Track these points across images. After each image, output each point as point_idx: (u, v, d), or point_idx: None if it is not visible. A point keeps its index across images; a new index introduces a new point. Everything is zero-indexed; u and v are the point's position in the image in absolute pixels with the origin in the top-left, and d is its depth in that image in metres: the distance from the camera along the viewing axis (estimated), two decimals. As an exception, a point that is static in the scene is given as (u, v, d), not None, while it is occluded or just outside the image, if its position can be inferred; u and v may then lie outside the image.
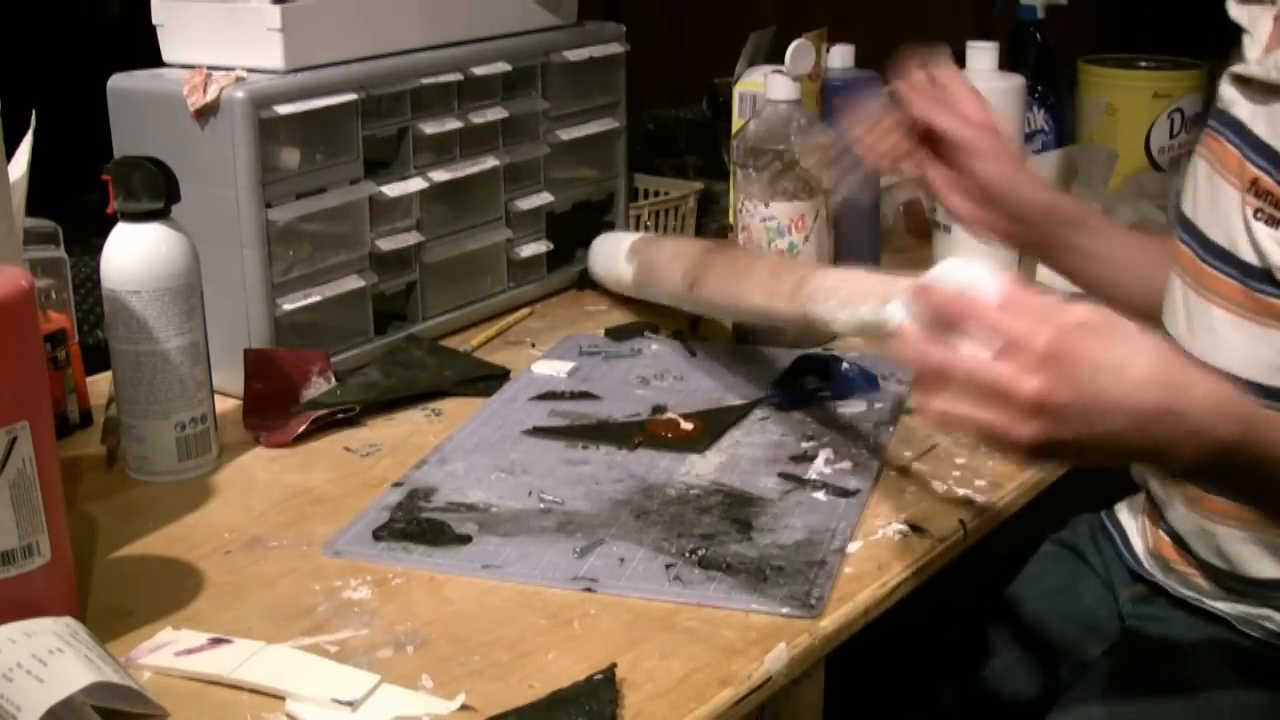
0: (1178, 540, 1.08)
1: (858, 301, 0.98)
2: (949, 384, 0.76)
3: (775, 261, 1.25)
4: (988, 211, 1.13)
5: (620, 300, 1.48)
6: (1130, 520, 1.18)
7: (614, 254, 1.42)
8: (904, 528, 0.99)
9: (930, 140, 1.13)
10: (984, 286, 0.78)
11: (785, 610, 0.88)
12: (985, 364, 0.75)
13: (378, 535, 0.99)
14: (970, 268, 0.82)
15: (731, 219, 1.42)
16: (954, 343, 0.77)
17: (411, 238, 1.34)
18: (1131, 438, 0.76)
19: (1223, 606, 1.07)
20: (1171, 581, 1.11)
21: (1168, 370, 0.77)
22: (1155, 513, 1.12)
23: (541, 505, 1.03)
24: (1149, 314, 1.08)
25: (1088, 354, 0.75)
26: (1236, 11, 1.01)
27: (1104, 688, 1.07)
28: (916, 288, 0.83)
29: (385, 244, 1.31)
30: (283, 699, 0.80)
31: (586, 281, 1.52)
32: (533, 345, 1.37)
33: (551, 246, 1.50)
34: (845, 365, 1.25)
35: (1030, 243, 1.17)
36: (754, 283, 1.14)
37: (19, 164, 1.13)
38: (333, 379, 1.22)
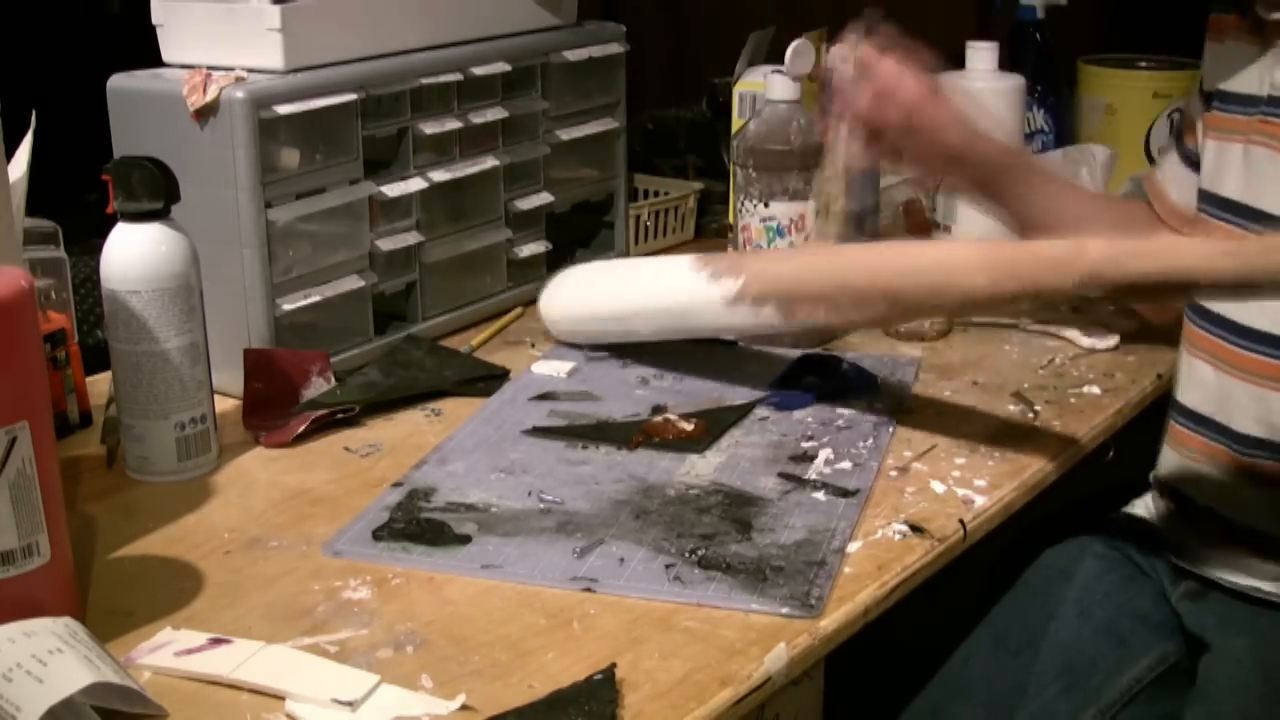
0: (1226, 523, 1.10)
1: None
2: None
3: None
4: (952, 173, 1.24)
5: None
6: (1162, 509, 1.19)
7: (620, 291, 1.31)
8: (904, 528, 0.99)
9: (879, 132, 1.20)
10: None
11: (785, 610, 0.88)
12: None
13: (377, 535, 0.99)
14: None
15: (731, 219, 1.42)
16: None
17: (411, 238, 1.34)
18: None
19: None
20: (1219, 571, 1.11)
21: None
22: (1191, 502, 1.14)
23: (541, 505, 1.03)
24: None
25: None
26: None
27: (1183, 699, 1.09)
28: None
29: (385, 244, 1.31)
30: (282, 699, 0.80)
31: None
32: (532, 345, 1.37)
33: (551, 246, 1.50)
34: (845, 365, 1.25)
35: (990, 194, 1.25)
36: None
37: (19, 164, 1.13)
38: (333, 379, 1.22)
